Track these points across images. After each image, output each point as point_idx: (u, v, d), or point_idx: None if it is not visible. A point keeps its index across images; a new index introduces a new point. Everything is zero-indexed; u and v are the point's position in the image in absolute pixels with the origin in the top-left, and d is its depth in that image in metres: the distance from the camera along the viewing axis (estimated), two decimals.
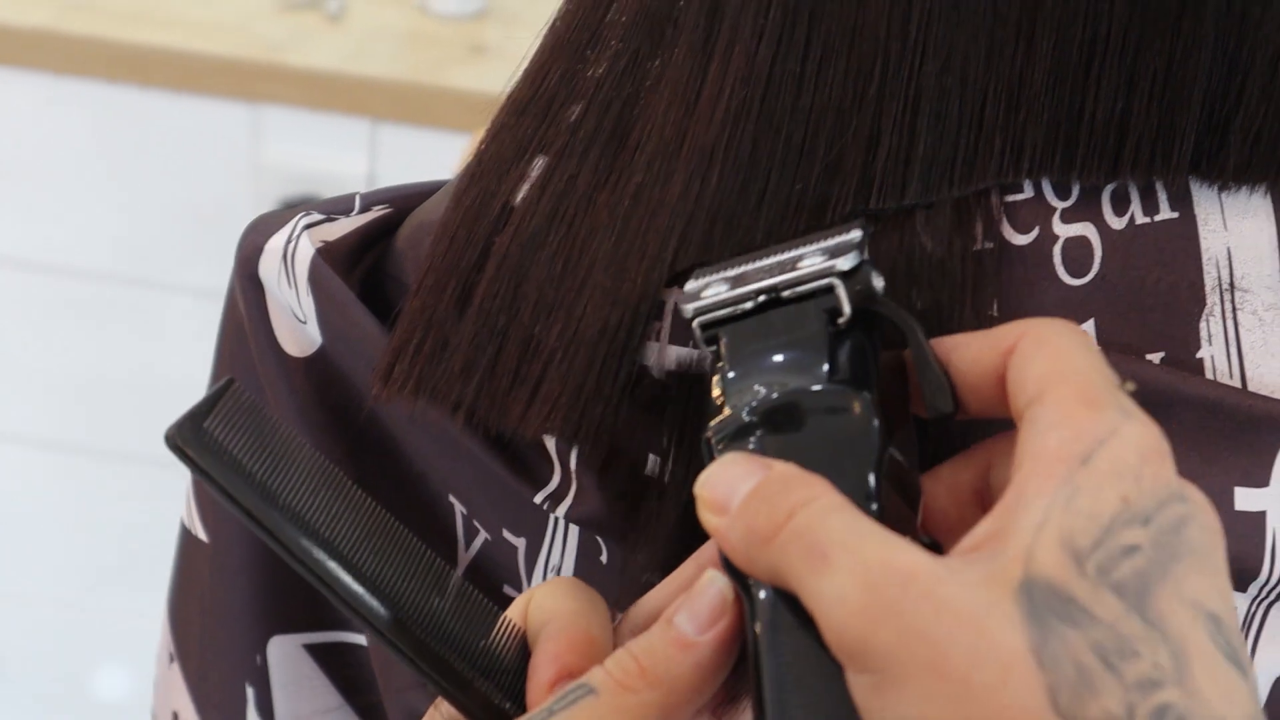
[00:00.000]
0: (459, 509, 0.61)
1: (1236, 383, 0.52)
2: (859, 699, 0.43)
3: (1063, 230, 0.52)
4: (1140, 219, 0.52)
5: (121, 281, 1.93)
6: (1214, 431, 0.51)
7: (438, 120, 1.78)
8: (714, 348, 0.50)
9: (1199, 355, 0.52)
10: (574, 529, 0.58)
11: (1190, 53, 0.50)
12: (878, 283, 0.49)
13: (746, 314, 0.49)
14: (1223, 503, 0.52)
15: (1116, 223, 0.52)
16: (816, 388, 0.47)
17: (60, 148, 1.88)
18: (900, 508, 0.47)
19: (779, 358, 0.48)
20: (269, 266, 0.62)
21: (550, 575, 0.59)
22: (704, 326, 0.50)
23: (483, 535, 0.61)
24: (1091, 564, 0.42)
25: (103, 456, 2.01)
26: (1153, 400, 0.51)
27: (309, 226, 0.62)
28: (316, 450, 0.50)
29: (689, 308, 0.50)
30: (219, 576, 0.68)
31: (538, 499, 0.57)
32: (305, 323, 0.61)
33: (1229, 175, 0.51)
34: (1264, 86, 0.50)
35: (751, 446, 0.47)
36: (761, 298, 0.49)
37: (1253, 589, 0.53)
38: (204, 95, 1.81)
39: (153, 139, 1.85)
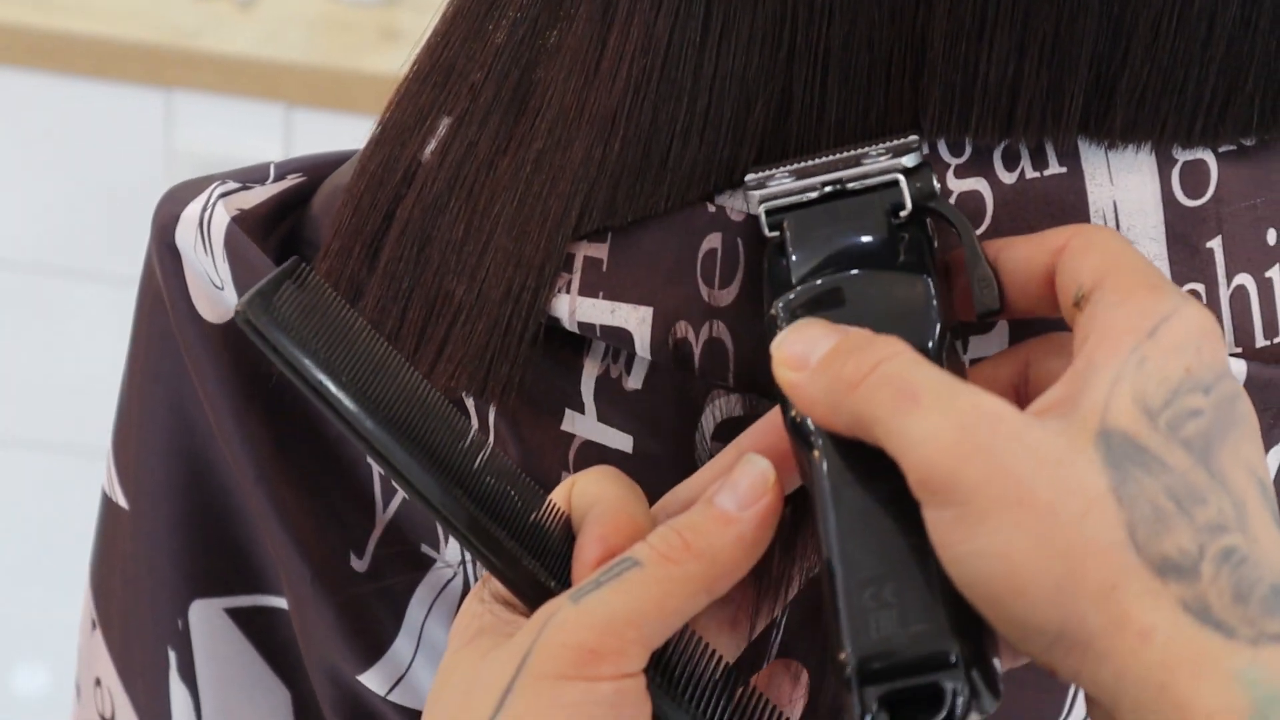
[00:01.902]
0: (376, 469, 0.63)
1: None
2: (938, 535, 0.45)
3: (956, 185, 0.54)
4: (1030, 174, 0.54)
5: (34, 269, 1.92)
6: None
7: (351, 105, 1.78)
8: (777, 233, 0.52)
9: None
10: None
11: (1077, 17, 0.52)
12: (935, 183, 0.52)
13: (811, 203, 0.52)
14: None
15: (1007, 177, 0.54)
16: (881, 270, 0.51)
17: None
18: None
19: (843, 243, 0.51)
20: (185, 234, 0.63)
21: None
22: (770, 212, 0.53)
23: (400, 494, 0.62)
24: (1163, 420, 0.46)
25: (15, 446, 2.00)
26: None
27: (224, 195, 0.63)
28: (376, 334, 0.51)
29: (756, 194, 0.53)
30: (140, 542, 0.69)
31: None
32: (222, 289, 0.62)
33: (1116, 135, 0.53)
34: (1147, 48, 0.52)
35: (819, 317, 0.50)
36: (827, 188, 0.52)
37: None
38: (117, 81, 1.80)
39: (65, 126, 1.84)
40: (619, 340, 0.54)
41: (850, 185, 0.52)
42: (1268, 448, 0.54)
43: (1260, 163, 0.54)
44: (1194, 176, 0.54)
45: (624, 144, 0.53)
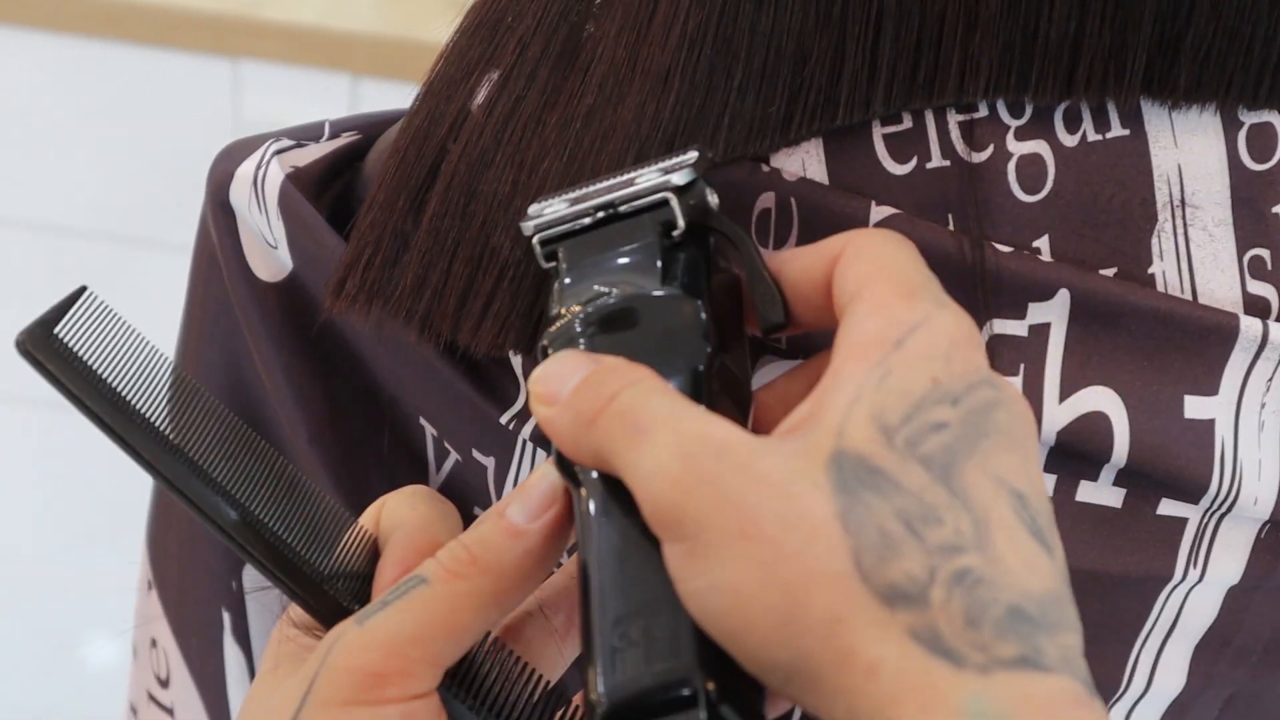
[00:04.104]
0: (430, 431, 0.62)
1: (1188, 298, 0.53)
2: (673, 569, 0.44)
3: (1016, 148, 0.53)
4: (1092, 136, 0.53)
5: (102, 238, 1.93)
6: (1165, 341, 0.52)
7: (418, 75, 1.76)
8: (553, 263, 0.51)
9: (1150, 271, 0.53)
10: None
11: None
12: (711, 199, 0.50)
13: (585, 229, 0.51)
14: (1173, 410, 0.53)
15: (1069, 140, 0.53)
16: (649, 293, 0.49)
17: (39, 104, 1.89)
18: (730, 412, 0.48)
19: (614, 267, 0.50)
20: (240, 192, 0.63)
21: None
22: (543, 243, 0.52)
23: (453, 456, 0.62)
24: (900, 438, 0.43)
25: None
26: (1103, 311, 0.52)
27: (279, 152, 0.63)
28: (168, 357, 0.51)
29: (528, 225, 0.52)
30: None
31: (504, 419, 0.58)
32: (276, 248, 0.62)
33: (1180, 94, 0.52)
34: (1212, 6, 0.51)
35: (582, 346, 0.49)
36: (600, 213, 0.51)
37: (1204, 501, 0.54)
38: (184, 50, 1.81)
39: (133, 94, 1.85)
40: None
41: (622, 208, 0.51)
42: None
43: None
44: (1261, 139, 0.53)
45: (678, 101, 0.53)
